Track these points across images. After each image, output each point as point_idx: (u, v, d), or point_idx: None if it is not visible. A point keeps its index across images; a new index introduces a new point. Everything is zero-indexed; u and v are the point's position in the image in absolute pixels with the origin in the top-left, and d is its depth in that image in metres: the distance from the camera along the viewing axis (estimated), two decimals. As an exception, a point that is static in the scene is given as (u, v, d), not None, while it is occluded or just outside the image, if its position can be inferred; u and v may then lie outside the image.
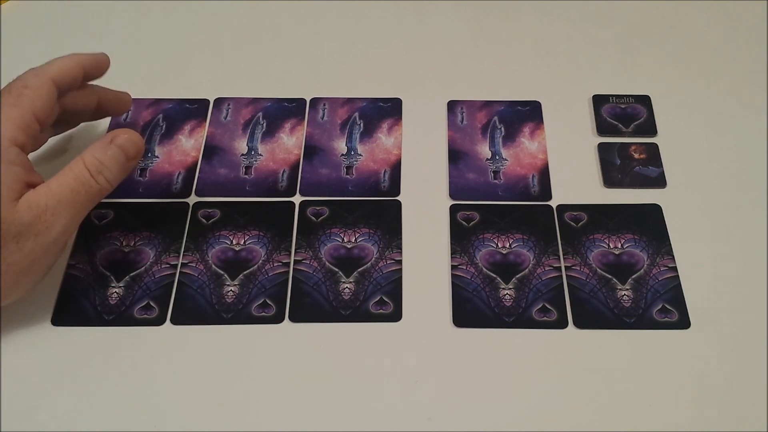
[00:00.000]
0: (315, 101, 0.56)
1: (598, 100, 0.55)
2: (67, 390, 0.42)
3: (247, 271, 0.47)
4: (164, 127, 0.55)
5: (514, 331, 0.44)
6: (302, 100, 0.56)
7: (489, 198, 0.50)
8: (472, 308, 0.45)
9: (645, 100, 0.55)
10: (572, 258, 0.47)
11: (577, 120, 0.55)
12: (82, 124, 0.52)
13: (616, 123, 0.54)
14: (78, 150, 0.53)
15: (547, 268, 0.47)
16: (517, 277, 0.46)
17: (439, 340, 0.44)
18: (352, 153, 0.53)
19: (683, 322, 0.45)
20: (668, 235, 0.48)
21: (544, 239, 0.48)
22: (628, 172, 0.51)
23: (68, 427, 0.41)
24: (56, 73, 0.44)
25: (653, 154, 0.52)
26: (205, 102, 0.56)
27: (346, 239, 0.48)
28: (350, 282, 0.46)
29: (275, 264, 0.47)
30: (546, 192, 0.50)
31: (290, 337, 0.44)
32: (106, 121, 0.55)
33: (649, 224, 0.49)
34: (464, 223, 0.49)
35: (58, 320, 0.45)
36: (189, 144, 0.54)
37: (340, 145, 0.53)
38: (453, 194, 0.51)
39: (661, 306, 0.45)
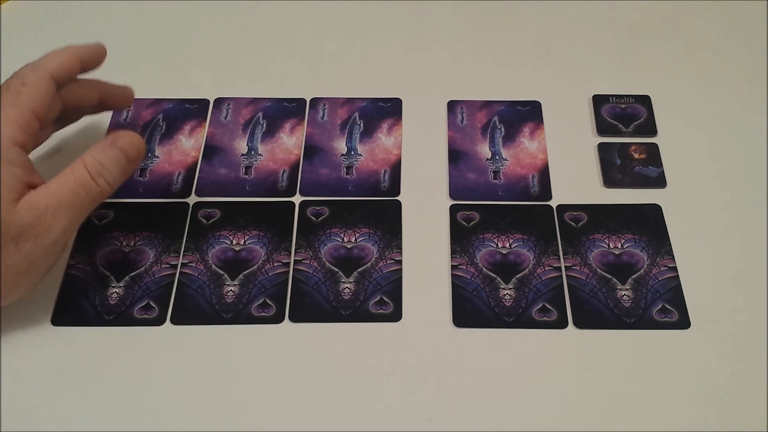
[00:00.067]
0: (315, 101, 0.56)
1: (598, 100, 0.55)
2: (67, 390, 0.43)
3: (247, 271, 0.47)
4: (164, 127, 0.55)
5: (514, 331, 0.44)
6: (302, 100, 0.56)
7: (489, 198, 0.50)
8: (472, 308, 0.45)
9: (645, 100, 0.55)
10: (572, 258, 0.47)
11: (577, 120, 0.55)
12: (83, 125, 0.52)
13: (616, 123, 0.54)
14: (78, 149, 0.53)
15: (547, 268, 0.47)
16: (517, 277, 0.46)
17: (439, 340, 0.44)
18: (352, 153, 0.53)
19: (683, 322, 0.45)
20: (668, 235, 0.48)
21: (544, 239, 0.48)
22: (628, 172, 0.51)
23: (68, 427, 0.41)
24: (54, 67, 0.44)
25: (653, 154, 0.52)
26: (205, 102, 0.56)
27: (346, 239, 0.48)
28: (350, 282, 0.46)
29: (275, 264, 0.47)
30: (546, 192, 0.50)
31: (290, 337, 0.44)
32: (106, 121, 0.55)
33: (649, 224, 0.49)
34: (464, 223, 0.49)
35: (58, 320, 0.45)
36: (189, 144, 0.54)
37: (340, 145, 0.53)
38: (453, 194, 0.51)
39: (661, 306, 0.45)
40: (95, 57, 0.47)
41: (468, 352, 0.44)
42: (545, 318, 0.45)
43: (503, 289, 0.46)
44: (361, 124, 0.54)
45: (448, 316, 0.45)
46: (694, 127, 0.54)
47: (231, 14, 0.62)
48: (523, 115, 0.55)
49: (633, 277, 0.46)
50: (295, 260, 0.47)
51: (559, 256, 0.47)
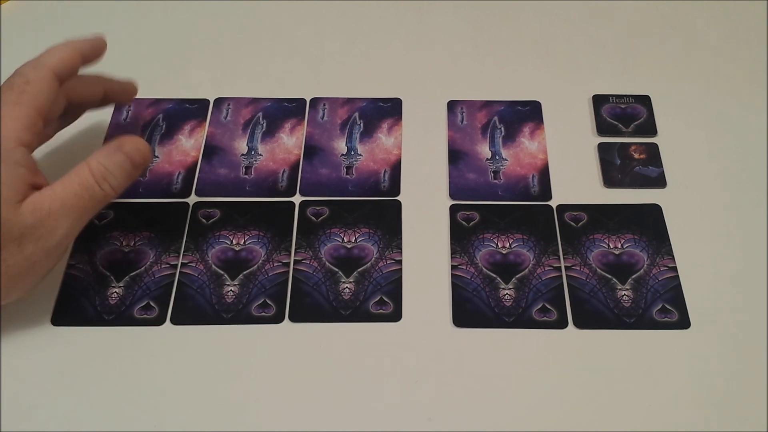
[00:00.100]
0: (315, 101, 0.56)
1: (598, 100, 0.55)
2: (67, 390, 0.42)
3: (247, 271, 0.47)
4: (164, 127, 0.55)
5: (514, 331, 0.44)
6: (302, 100, 0.56)
7: (489, 198, 0.50)
8: (472, 308, 0.45)
9: (645, 100, 0.55)
10: (572, 258, 0.47)
11: (577, 120, 0.55)
12: (83, 126, 0.51)
13: (616, 123, 0.54)
14: (78, 149, 0.53)
15: (547, 268, 0.47)
16: (517, 277, 0.46)
17: (439, 340, 0.44)
18: (352, 153, 0.53)
19: (683, 322, 0.45)
20: (668, 235, 0.48)
21: (544, 239, 0.48)
22: (628, 172, 0.51)
23: (68, 427, 0.41)
24: (56, 64, 0.43)
25: (653, 154, 0.52)
26: (205, 102, 0.56)
27: (346, 239, 0.48)
28: (350, 282, 0.46)
29: (275, 264, 0.47)
30: (546, 192, 0.50)
31: (290, 337, 0.44)
32: (106, 121, 0.55)
33: (649, 224, 0.49)
34: (464, 223, 0.49)
35: (58, 320, 0.45)
36: (189, 144, 0.54)
37: (340, 145, 0.53)
38: (453, 194, 0.51)
39: (661, 306, 0.45)
40: (95, 50, 0.46)
41: (468, 352, 0.44)
42: (545, 318, 0.45)
43: (503, 289, 0.46)
44: (361, 124, 0.54)
45: (448, 316, 0.45)
46: (694, 127, 0.54)
47: (231, 14, 0.62)
48: (523, 115, 0.55)
49: (633, 277, 0.46)
50: (295, 260, 0.47)
51: (559, 256, 0.47)
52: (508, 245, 0.48)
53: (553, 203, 0.50)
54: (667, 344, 0.44)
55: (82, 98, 0.47)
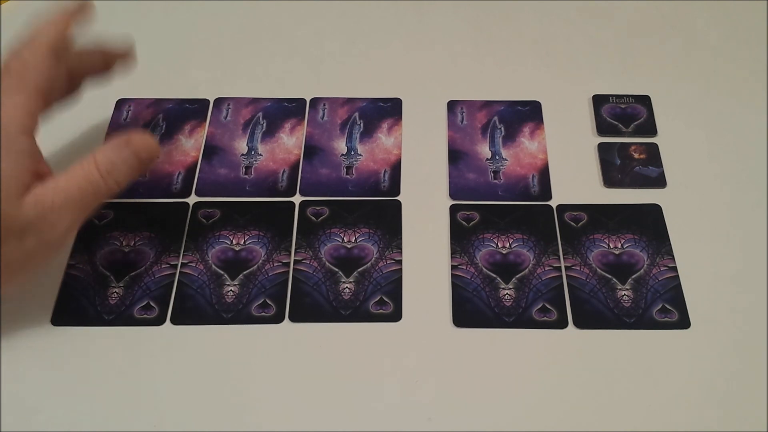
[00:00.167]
0: (315, 101, 0.56)
1: (598, 100, 0.55)
2: (67, 390, 0.42)
3: (247, 271, 0.47)
4: (164, 127, 0.54)
5: (514, 331, 0.44)
6: (302, 100, 0.56)
7: (489, 198, 0.50)
8: (472, 308, 0.45)
9: (645, 100, 0.55)
10: (572, 258, 0.47)
11: (577, 120, 0.55)
12: (85, 127, 0.51)
13: (616, 123, 0.54)
14: (80, 148, 0.53)
15: (547, 268, 0.47)
16: (517, 277, 0.46)
17: (439, 340, 0.44)
18: (352, 153, 0.53)
19: (683, 322, 0.45)
20: (668, 235, 0.48)
21: (544, 239, 0.48)
22: (628, 172, 0.51)
23: (68, 427, 0.41)
24: (51, 40, 0.42)
25: (653, 154, 0.52)
26: (205, 102, 0.56)
27: (346, 239, 0.48)
28: (350, 282, 0.46)
29: (275, 264, 0.47)
30: (546, 192, 0.50)
31: (290, 337, 0.44)
32: (106, 120, 0.55)
33: (649, 224, 0.49)
34: (464, 223, 0.49)
35: (58, 320, 0.45)
36: (189, 144, 0.54)
37: (340, 145, 0.53)
38: (453, 194, 0.51)
39: (661, 306, 0.45)
40: (83, 10, 0.45)
41: (468, 352, 0.44)
42: (545, 318, 0.45)
43: (503, 289, 0.46)
44: (361, 124, 0.54)
45: (448, 316, 0.45)
46: (694, 127, 0.54)
47: (231, 14, 0.62)
48: (523, 115, 0.55)
49: (633, 277, 0.46)
50: (295, 260, 0.47)
51: (559, 256, 0.47)
52: (508, 245, 0.48)
53: (553, 203, 0.50)
54: (667, 344, 0.44)
55: (82, 70, 0.46)
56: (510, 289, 0.46)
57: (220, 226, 0.49)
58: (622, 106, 0.55)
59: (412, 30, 0.61)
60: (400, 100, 0.56)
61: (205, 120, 0.55)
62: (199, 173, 0.52)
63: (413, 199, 0.50)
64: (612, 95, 0.56)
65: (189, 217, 0.49)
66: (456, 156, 0.52)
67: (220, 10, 0.62)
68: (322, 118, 0.55)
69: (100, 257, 0.48)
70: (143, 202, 0.50)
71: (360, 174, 0.52)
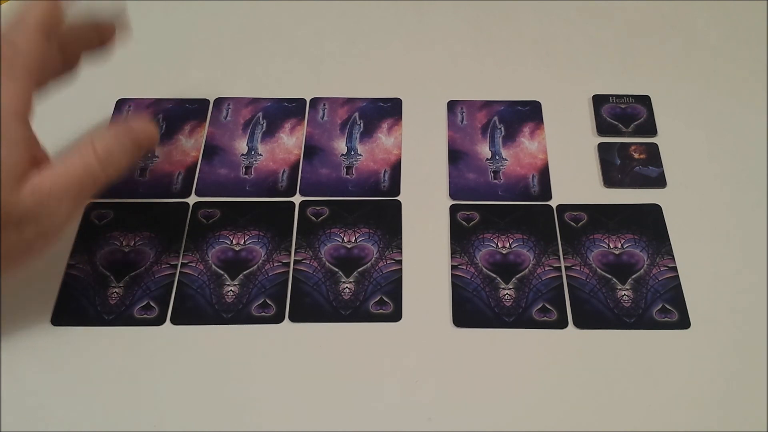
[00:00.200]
0: (315, 101, 0.56)
1: (598, 100, 0.55)
2: (67, 390, 0.43)
3: (247, 271, 0.47)
4: (164, 127, 0.54)
5: (514, 331, 0.44)
6: (302, 100, 0.56)
7: (489, 198, 0.50)
8: (472, 308, 0.45)
9: (645, 100, 0.55)
10: (572, 258, 0.47)
11: (577, 120, 0.55)
12: (84, 127, 0.51)
13: (616, 123, 0.54)
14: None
15: (547, 268, 0.47)
16: (517, 277, 0.46)
17: (439, 340, 0.44)
18: (352, 153, 0.53)
19: (683, 322, 0.45)
20: (668, 235, 0.48)
21: (544, 239, 0.48)
22: (628, 172, 0.51)
23: (68, 427, 0.41)
24: (39, 19, 0.41)
25: (653, 154, 0.52)
26: (205, 102, 0.56)
27: (346, 239, 0.48)
28: (350, 282, 0.46)
29: (275, 264, 0.47)
30: (546, 192, 0.50)
31: (290, 337, 0.44)
32: (106, 120, 0.55)
33: (649, 224, 0.49)
34: (464, 223, 0.49)
35: (58, 320, 0.45)
36: (189, 144, 0.54)
37: (340, 145, 0.53)
38: (453, 194, 0.51)
39: (661, 306, 0.45)
40: None
41: (468, 352, 0.44)
42: (545, 318, 0.45)
43: (503, 289, 0.46)
44: (361, 124, 0.54)
45: (448, 316, 0.45)
46: (694, 127, 0.54)
47: (231, 14, 0.62)
48: (523, 115, 0.55)
49: (633, 277, 0.46)
50: (295, 260, 0.47)
51: (559, 256, 0.47)
52: (508, 245, 0.48)
53: (553, 203, 0.50)
54: (667, 344, 0.44)
55: (76, 46, 0.46)
56: (510, 289, 0.46)
57: (220, 226, 0.49)
58: (622, 106, 0.55)
59: (412, 30, 0.61)
60: (400, 100, 0.56)
61: (205, 120, 0.55)
62: (199, 173, 0.52)
63: (413, 199, 0.50)
64: (612, 95, 0.56)
65: (189, 217, 0.49)
66: (456, 156, 0.53)
67: (220, 10, 0.62)
68: (322, 118, 0.55)
69: (100, 257, 0.48)
70: (143, 202, 0.50)
71: (360, 174, 0.52)
